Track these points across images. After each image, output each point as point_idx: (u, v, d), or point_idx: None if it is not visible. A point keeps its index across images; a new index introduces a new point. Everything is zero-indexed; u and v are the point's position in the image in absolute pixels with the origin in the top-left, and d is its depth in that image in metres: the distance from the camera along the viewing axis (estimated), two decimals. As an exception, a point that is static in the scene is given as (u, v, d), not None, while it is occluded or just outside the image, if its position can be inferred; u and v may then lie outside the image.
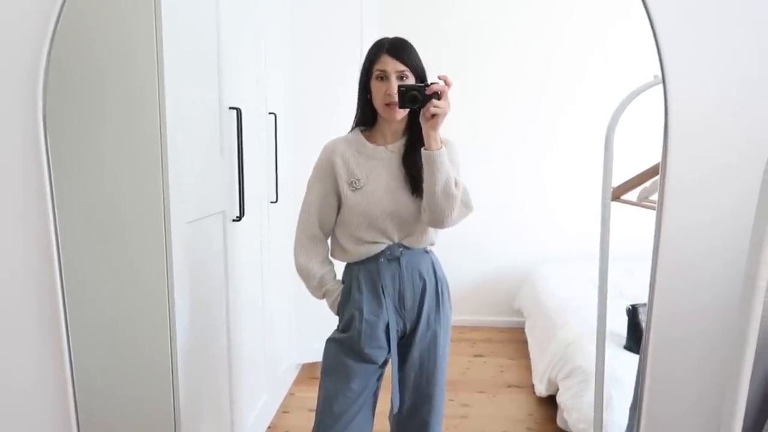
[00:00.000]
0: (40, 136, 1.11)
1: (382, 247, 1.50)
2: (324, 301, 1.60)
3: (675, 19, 0.99)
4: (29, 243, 1.15)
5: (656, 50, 0.98)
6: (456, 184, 1.42)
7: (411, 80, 1.44)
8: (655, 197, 1.48)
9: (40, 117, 1.10)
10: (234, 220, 1.94)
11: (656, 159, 1.48)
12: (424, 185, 1.42)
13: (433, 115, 1.36)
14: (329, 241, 1.60)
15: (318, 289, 1.57)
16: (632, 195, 1.61)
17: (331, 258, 1.60)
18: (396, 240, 1.50)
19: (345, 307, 1.54)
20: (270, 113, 2.39)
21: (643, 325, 2.19)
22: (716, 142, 1.02)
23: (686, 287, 1.05)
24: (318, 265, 1.55)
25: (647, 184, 1.51)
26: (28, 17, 1.09)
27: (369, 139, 1.53)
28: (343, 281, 1.57)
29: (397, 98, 1.39)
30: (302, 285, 1.61)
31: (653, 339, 1.05)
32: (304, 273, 1.57)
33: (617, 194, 1.59)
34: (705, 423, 1.07)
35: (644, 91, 1.40)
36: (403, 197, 1.48)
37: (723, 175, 1.02)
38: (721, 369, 1.03)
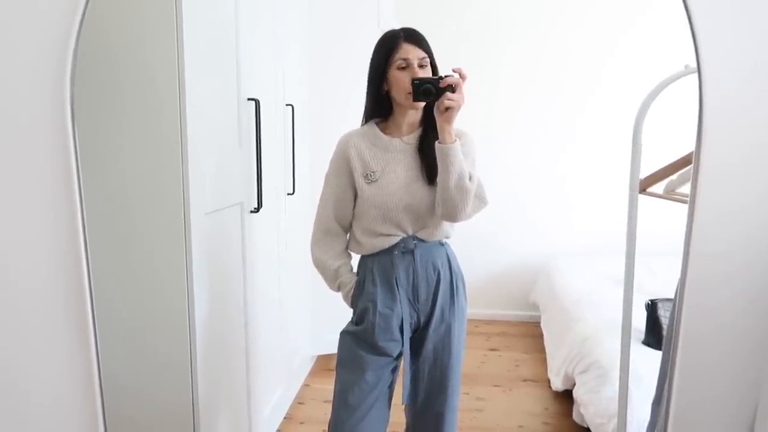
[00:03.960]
0: (68, 130, 1.11)
1: (396, 239, 1.49)
2: (339, 294, 1.60)
3: (711, 5, 0.96)
4: (57, 235, 1.15)
5: (691, 37, 0.95)
6: (470, 177, 1.41)
7: (428, 69, 1.43)
8: (681, 189, 1.47)
9: (68, 111, 1.10)
10: (252, 212, 1.94)
11: (680, 151, 1.46)
12: (438, 179, 1.41)
13: (447, 109, 1.35)
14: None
15: (333, 281, 1.57)
16: (657, 188, 1.59)
17: (348, 249, 1.60)
18: (410, 233, 1.50)
19: (359, 299, 1.54)
20: (287, 105, 2.38)
21: (662, 320, 2.17)
22: (751, 131, 0.99)
23: (718, 278, 1.03)
24: (333, 258, 1.56)
25: (674, 176, 1.49)
26: (55, 11, 1.09)
27: (384, 131, 1.52)
28: (358, 274, 1.57)
29: (411, 91, 1.38)
30: (318, 277, 1.62)
31: (683, 331, 1.03)
32: (319, 266, 1.58)
33: (643, 187, 1.57)
34: (736, 415, 1.05)
35: (674, 81, 1.37)
36: (418, 189, 1.47)
37: (758, 164, 1.00)
38: (754, 361, 1.01)
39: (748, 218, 1.01)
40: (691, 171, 1.01)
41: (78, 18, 1.03)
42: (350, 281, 1.55)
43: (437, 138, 1.41)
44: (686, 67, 1.25)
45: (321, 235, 1.57)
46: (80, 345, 1.17)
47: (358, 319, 1.54)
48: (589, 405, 2.13)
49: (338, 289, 1.58)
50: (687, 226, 1.01)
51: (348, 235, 1.60)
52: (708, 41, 0.95)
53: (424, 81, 1.37)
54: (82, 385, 1.19)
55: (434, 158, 1.43)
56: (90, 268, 1.15)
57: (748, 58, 0.98)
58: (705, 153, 0.96)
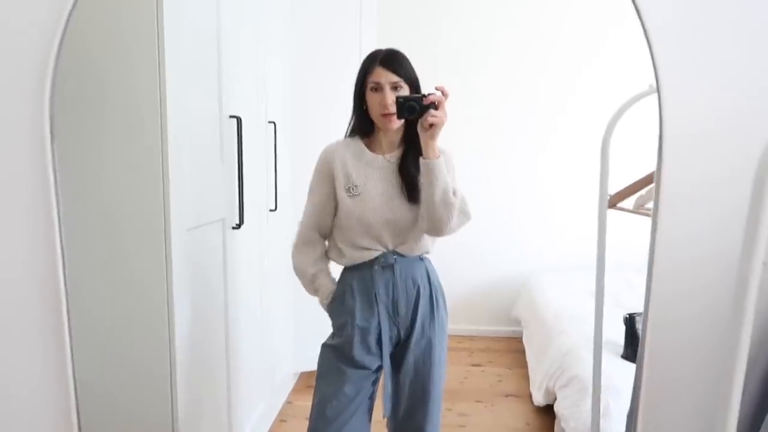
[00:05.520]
0: (46, 147, 1.12)
1: (377, 254, 1.51)
2: (321, 308, 1.61)
3: (669, 30, 1.00)
4: (34, 250, 1.15)
5: (651, 60, 0.99)
6: (454, 192, 1.44)
7: (405, 90, 1.46)
8: (650, 205, 1.50)
9: (47, 126, 1.11)
10: (233, 228, 1.95)
11: (652, 167, 1.50)
12: (423, 194, 1.43)
13: (431, 125, 1.38)
14: (327, 242, 1.62)
15: (310, 285, 1.60)
16: (628, 203, 1.62)
17: (328, 257, 1.61)
18: (390, 248, 1.51)
19: (338, 313, 1.55)
20: (270, 122, 2.40)
21: (641, 334, 2.20)
22: (710, 152, 1.03)
23: (682, 295, 1.05)
24: (311, 264, 1.58)
25: (643, 192, 1.53)
26: (36, 27, 1.11)
27: (367, 147, 1.54)
28: (338, 287, 1.58)
29: (396, 109, 1.40)
30: (300, 294, 1.64)
31: (649, 347, 1.05)
32: (298, 272, 1.61)
33: (613, 202, 1.60)
34: (700, 428, 1.07)
35: (639, 100, 1.42)
36: (399, 206, 1.49)
37: (717, 183, 1.03)
38: (718, 376, 1.03)
39: (711, 235, 1.04)
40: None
41: (58, 36, 1.04)
42: (326, 287, 1.57)
43: (417, 158, 1.44)
44: (651, 86, 1.29)
45: (301, 244, 1.60)
46: (56, 361, 1.17)
47: (337, 333, 1.55)
48: (570, 419, 2.14)
49: (315, 292, 1.60)
50: (651, 243, 1.04)
51: (327, 242, 1.62)
52: (666, 63, 0.99)
53: (408, 99, 1.39)
54: (58, 401, 1.18)
55: (414, 178, 1.46)
56: (67, 284, 1.15)
57: (707, 79, 1.02)
58: (666, 172, 1.00)
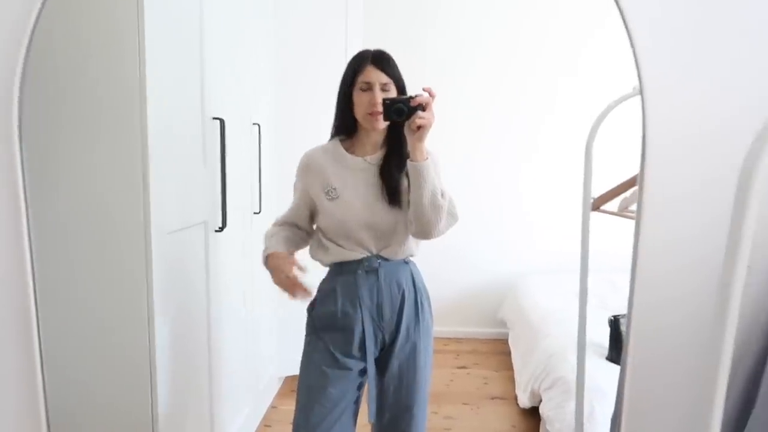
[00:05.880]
0: (15, 145, 1.09)
1: (361, 256, 1.50)
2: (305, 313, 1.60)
3: (652, 32, 1.00)
4: (1, 253, 1.13)
5: (634, 62, 0.99)
6: (442, 194, 1.43)
7: (393, 92, 1.45)
8: (635, 207, 1.50)
9: (15, 126, 1.08)
10: (216, 231, 1.93)
11: (636, 169, 1.51)
12: (411, 197, 1.42)
13: (419, 127, 1.36)
14: (313, 241, 1.61)
15: (266, 243, 1.58)
16: (613, 205, 1.62)
17: (313, 258, 1.59)
18: (374, 251, 1.50)
19: (321, 316, 1.54)
20: (254, 124, 2.38)
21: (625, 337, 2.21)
22: (694, 154, 1.03)
23: (665, 299, 1.05)
24: (273, 228, 1.61)
25: (627, 194, 1.53)
26: (3, 27, 1.08)
27: (348, 149, 1.53)
28: (321, 291, 1.56)
29: (383, 111, 1.39)
30: (285, 297, 1.61)
31: (632, 351, 1.05)
32: (265, 235, 1.61)
33: (597, 204, 1.60)
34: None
35: (622, 102, 1.42)
36: (380, 209, 1.48)
37: (701, 186, 1.03)
38: (701, 381, 1.03)
39: (695, 239, 1.03)
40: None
41: (27, 36, 1.01)
42: (273, 247, 1.53)
43: (400, 160, 1.43)
44: (634, 88, 1.29)
45: (276, 223, 1.63)
46: (25, 367, 1.14)
47: (321, 336, 1.53)
48: (555, 421, 2.15)
49: (265, 250, 1.57)
50: (634, 247, 1.04)
51: (311, 241, 1.61)
52: (649, 65, 0.99)
53: (395, 101, 1.38)
54: (27, 404, 1.16)
55: (396, 181, 1.46)
56: (36, 286, 1.12)
57: (691, 82, 1.02)
58: (649, 175, 0.99)
